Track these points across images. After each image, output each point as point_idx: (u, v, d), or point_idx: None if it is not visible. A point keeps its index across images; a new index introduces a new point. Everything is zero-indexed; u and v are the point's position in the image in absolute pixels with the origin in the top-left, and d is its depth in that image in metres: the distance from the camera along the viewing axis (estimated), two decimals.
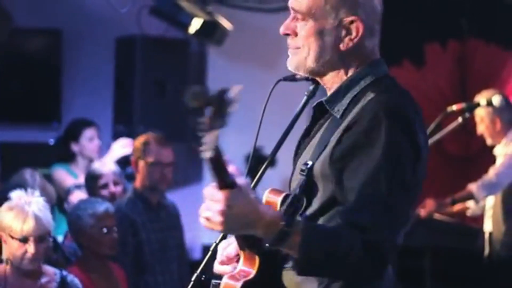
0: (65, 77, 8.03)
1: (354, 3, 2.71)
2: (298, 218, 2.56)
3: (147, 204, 5.56)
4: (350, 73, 2.73)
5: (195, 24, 7.25)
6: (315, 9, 2.69)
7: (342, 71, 2.73)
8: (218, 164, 2.32)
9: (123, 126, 7.34)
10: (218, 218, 2.35)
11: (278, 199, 2.62)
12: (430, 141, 5.14)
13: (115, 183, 5.74)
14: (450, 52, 8.40)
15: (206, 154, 2.26)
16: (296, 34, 2.72)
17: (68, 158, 6.57)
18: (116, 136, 7.08)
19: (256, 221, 2.39)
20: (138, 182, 5.60)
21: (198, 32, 7.28)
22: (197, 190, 8.35)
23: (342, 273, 2.49)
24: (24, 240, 4.08)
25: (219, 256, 2.74)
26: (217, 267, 2.73)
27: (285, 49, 2.80)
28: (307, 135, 2.80)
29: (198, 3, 7.55)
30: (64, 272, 4.33)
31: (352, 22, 2.69)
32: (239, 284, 2.58)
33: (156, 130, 6.04)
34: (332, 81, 2.75)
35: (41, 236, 4.12)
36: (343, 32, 2.70)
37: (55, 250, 5.00)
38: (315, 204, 2.62)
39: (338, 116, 2.67)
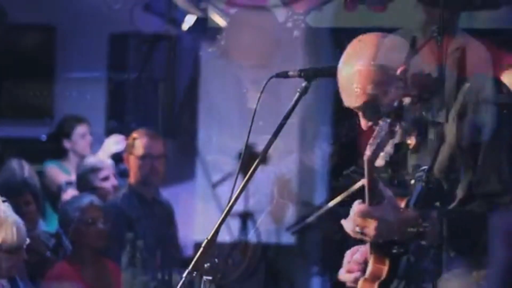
0: (58, 73, 8.01)
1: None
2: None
3: (142, 200, 5.56)
4: None
5: (189, 21, 7.24)
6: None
7: None
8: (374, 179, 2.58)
9: (116, 123, 7.32)
10: (374, 233, 2.66)
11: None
12: None
13: (115, 176, 5.80)
14: (441, 46, 8.40)
15: (380, 162, 2.55)
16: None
17: (60, 154, 6.56)
18: (109, 132, 7.06)
19: (402, 226, 2.68)
20: (131, 178, 5.61)
21: (191, 28, 7.27)
22: (190, 187, 8.33)
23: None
24: (17, 250, 3.83)
25: (346, 265, 2.93)
26: (344, 276, 2.94)
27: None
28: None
29: None
30: None
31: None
32: (375, 285, 2.76)
33: (149, 127, 6.04)
34: None
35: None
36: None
37: (59, 246, 5.02)
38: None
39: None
